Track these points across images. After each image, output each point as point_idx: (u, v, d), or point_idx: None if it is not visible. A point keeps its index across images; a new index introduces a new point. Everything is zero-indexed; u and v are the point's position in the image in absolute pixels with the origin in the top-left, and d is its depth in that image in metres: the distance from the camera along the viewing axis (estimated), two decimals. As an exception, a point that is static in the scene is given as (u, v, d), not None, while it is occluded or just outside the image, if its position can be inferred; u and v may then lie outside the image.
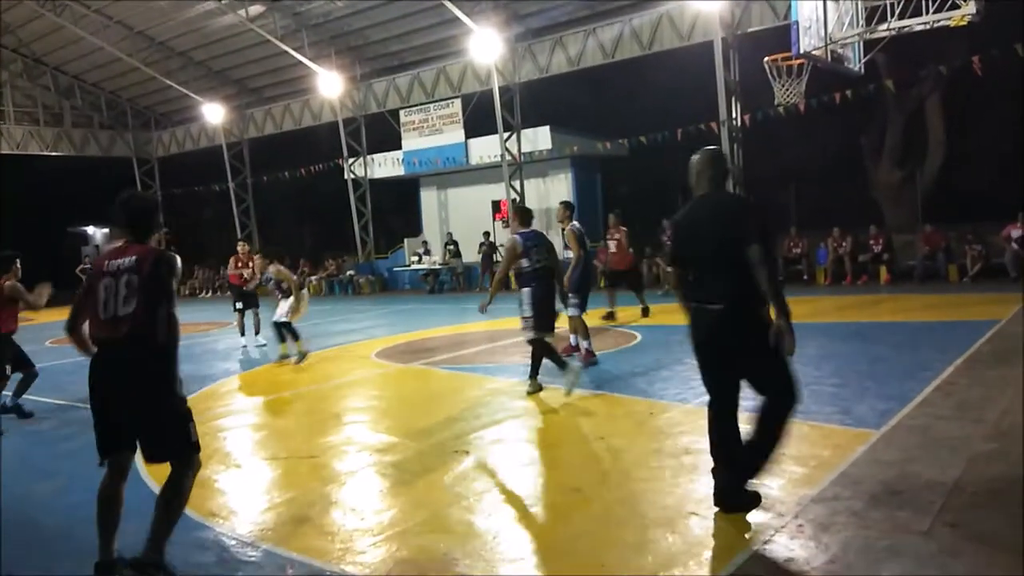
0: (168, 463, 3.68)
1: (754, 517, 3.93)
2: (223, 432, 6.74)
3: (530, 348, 7.22)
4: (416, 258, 23.74)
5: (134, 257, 3.61)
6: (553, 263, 7.29)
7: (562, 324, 7.91)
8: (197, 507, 4.66)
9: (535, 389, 7.22)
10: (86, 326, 3.76)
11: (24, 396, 7.73)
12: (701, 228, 4.07)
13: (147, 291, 3.55)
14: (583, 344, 8.60)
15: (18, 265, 7.44)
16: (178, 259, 3.76)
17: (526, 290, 7.13)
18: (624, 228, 13.18)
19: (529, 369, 7.32)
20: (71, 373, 10.65)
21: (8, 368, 7.50)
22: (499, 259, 22.56)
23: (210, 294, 27.82)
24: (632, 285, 13.17)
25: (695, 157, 4.21)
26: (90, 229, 32.44)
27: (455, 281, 22.87)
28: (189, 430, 3.67)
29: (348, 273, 25.24)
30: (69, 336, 3.86)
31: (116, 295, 3.56)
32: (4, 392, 7.59)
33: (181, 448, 3.66)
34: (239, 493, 5.02)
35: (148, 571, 3.54)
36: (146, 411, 3.60)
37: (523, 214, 7.54)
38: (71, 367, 11.32)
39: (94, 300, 3.62)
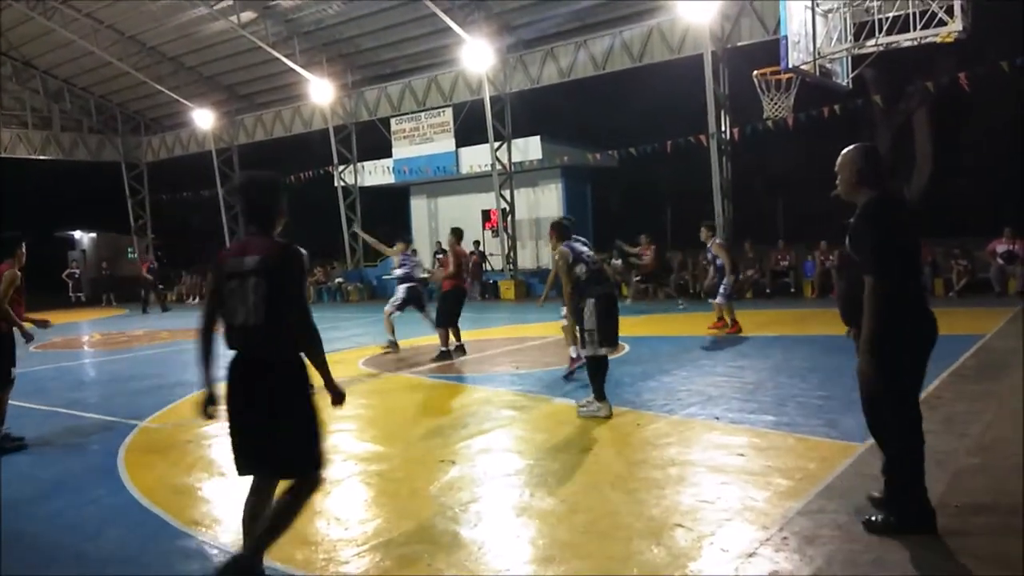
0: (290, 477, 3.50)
1: (740, 529, 3.93)
2: (208, 439, 6.68)
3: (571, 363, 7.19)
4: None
5: (259, 256, 3.35)
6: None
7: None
8: (179, 515, 4.62)
9: (608, 413, 6.47)
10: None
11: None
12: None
13: (277, 297, 3.31)
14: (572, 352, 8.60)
15: (23, 250, 6.62)
16: (305, 254, 3.44)
17: (590, 300, 6.51)
18: (655, 246, 16.61)
19: (591, 390, 6.62)
20: (54, 378, 10.58)
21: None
22: (489, 268, 22.61)
23: (197, 300, 27.61)
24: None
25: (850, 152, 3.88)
26: (77, 233, 32.20)
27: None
28: (316, 447, 3.50)
29: (336, 280, 25.17)
30: (200, 336, 3.53)
31: (244, 301, 3.33)
32: None
33: (305, 465, 3.48)
34: (223, 502, 4.97)
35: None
36: (275, 428, 3.40)
37: (560, 228, 7.01)
38: (54, 372, 11.24)
39: (222, 305, 3.41)
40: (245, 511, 3.52)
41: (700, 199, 18.85)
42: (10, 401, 7.06)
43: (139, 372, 10.97)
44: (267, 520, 3.42)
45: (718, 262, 11.57)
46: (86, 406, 8.38)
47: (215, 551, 4.08)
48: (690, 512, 4.21)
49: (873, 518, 3.80)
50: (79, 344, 15.99)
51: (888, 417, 3.79)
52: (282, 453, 3.41)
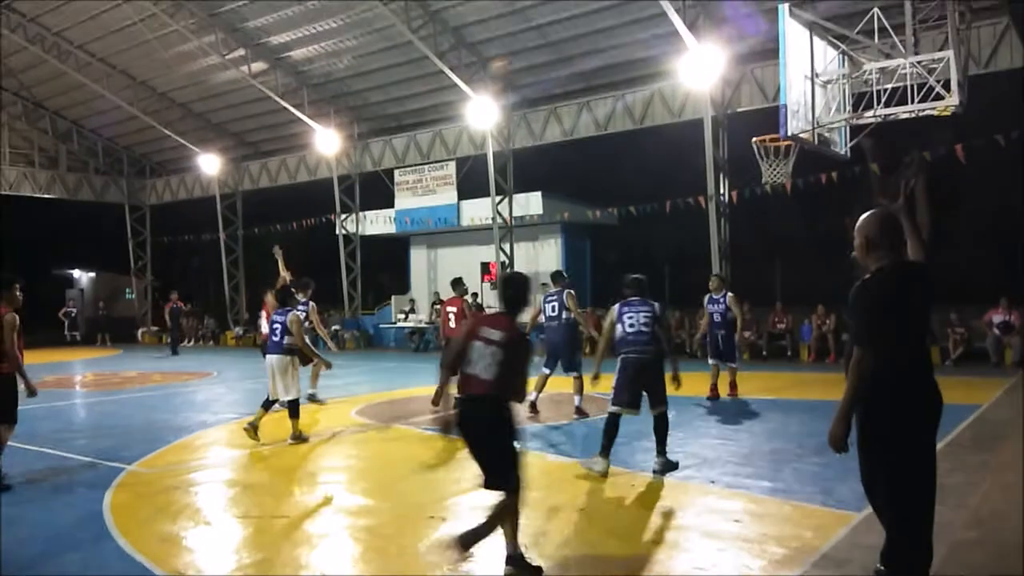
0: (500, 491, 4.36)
1: (733, 598, 3.86)
2: (195, 487, 6.59)
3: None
4: (402, 316, 23.72)
5: (504, 334, 4.38)
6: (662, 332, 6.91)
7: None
8: (163, 563, 4.53)
9: (602, 470, 6.52)
10: None
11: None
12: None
13: (508, 366, 4.32)
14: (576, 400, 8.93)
15: (18, 293, 6.67)
16: (533, 343, 4.66)
17: (620, 359, 6.78)
18: None
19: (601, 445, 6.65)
20: (44, 418, 10.46)
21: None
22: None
23: (193, 343, 27.53)
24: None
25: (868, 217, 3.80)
26: (75, 272, 32.23)
27: (440, 340, 22.75)
28: (518, 469, 4.42)
29: (334, 328, 25.11)
30: (443, 372, 4.61)
31: (482, 359, 4.33)
32: None
33: (511, 481, 4.37)
34: (207, 551, 4.88)
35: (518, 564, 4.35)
36: (492, 451, 4.40)
37: (630, 285, 7.02)
38: (45, 412, 11.12)
39: (467, 355, 4.41)
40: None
41: (698, 259, 18.97)
42: (-2, 439, 7.01)
43: (129, 414, 10.87)
44: (489, 520, 4.33)
45: (728, 315, 10.70)
46: (74, 447, 8.27)
47: (197, 603, 3.99)
48: (684, 578, 4.14)
49: None
50: (71, 384, 15.86)
51: (881, 491, 3.75)
52: (499, 473, 4.40)
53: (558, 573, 4.30)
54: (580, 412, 9.49)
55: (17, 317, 6.55)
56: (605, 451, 6.55)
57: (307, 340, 8.44)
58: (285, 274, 11.22)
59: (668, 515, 5.42)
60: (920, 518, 3.65)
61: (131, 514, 5.66)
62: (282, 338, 8.28)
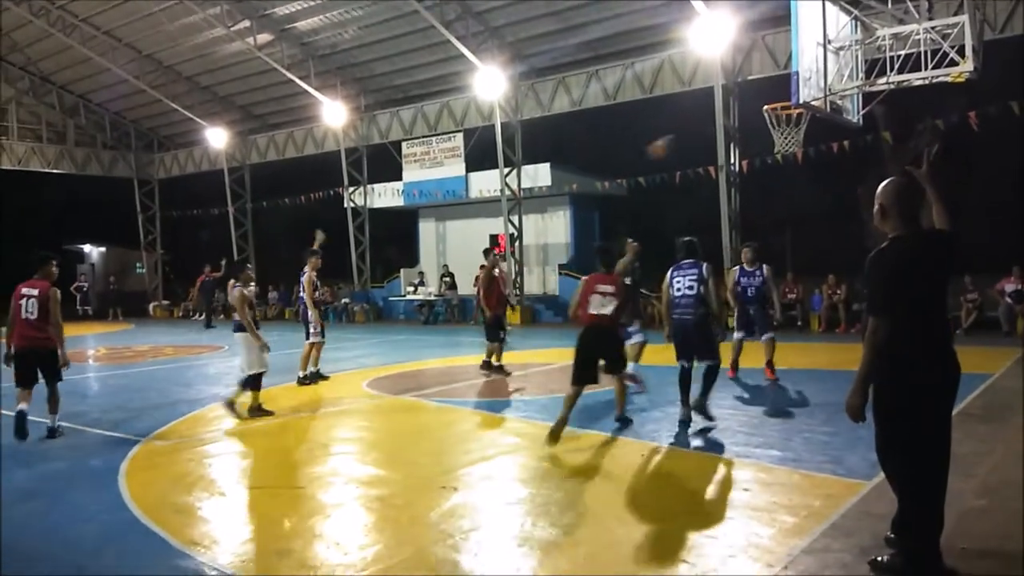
0: None
1: (744, 566, 3.89)
2: (209, 458, 6.67)
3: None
4: (412, 289, 23.75)
5: (611, 286, 6.92)
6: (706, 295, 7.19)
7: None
8: (178, 534, 4.60)
9: (686, 416, 7.19)
10: None
11: (9, 413, 7.64)
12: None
13: (618, 303, 6.89)
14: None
15: (54, 268, 7.50)
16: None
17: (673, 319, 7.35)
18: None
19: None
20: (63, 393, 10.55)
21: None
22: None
23: (203, 316, 27.67)
24: None
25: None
26: (86, 247, 32.36)
27: (450, 313, 22.83)
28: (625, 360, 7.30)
29: (343, 301, 25.21)
30: (573, 317, 7.16)
31: (601, 303, 6.82)
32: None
33: (624, 366, 7.29)
34: (222, 522, 4.95)
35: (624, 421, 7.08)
36: (612, 351, 6.95)
37: (688, 247, 7.46)
38: (62, 386, 11.22)
39: (588, 301, 6.86)
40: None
41: (708, 230, 18.86)
42: (11, 413, 7.21)
43: (143, 388, 10.97)
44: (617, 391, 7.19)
45: (763, 289, 9.84)
46: (89, 420, 8.37)
47: (213, 572, 4.05)
48: (694, 547, 4.17)
49: (880, 558, 3.75)
50: (84, 358, 16.00)
51: (894, 459, 3.75)
52: (615, 362, 6.99)
53: (567, 540, 4.34)
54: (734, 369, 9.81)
55: (58, 291, 7.33)
56: (684, 401, 7.24)
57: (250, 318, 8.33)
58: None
59: (677, 484, 5.45)
60: (932, 487, 3.66)
61: (146, 485, 5.73)
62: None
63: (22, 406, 7.33)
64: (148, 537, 4.61)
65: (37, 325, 7.28)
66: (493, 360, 10.81)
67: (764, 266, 9.93)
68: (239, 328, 8.30)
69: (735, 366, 9.94)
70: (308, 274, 10.51)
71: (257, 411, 8.27)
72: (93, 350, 17.55)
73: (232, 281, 8.57)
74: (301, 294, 10.76)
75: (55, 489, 5.82)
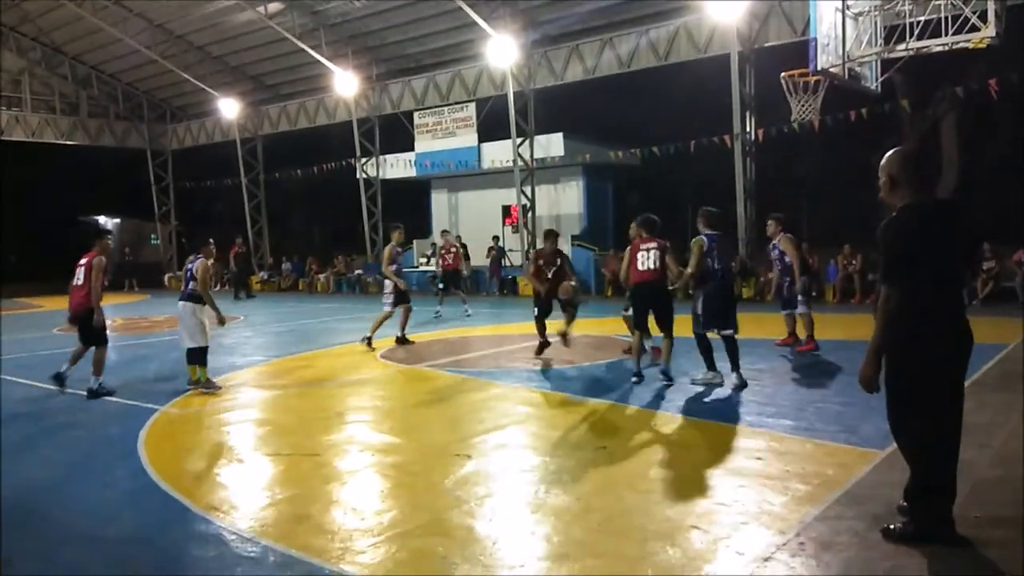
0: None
1: (756, 533, 3.92)
2: (227, 426, 6.75)
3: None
4: (424, 260, 23.76)
5: (654, 244, 7.74)
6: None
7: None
8: (198, 500, 4.68)
9: (721, 381, 7.62)
10: None
11: (29, 382, 7.78)
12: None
13: (661, 261, 7.67)
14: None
15: (109, 241, 8.32)
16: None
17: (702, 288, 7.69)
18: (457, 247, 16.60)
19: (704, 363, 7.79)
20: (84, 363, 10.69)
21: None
22: (508, 264, 22.63)
23: (218, 287, 27.87)
24: None
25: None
26: (101, 218, 32.56)
27: (463, 284, 22.80)
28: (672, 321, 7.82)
29: (356, 272, 25.29)
30: (624, 279, 8.11)
31: (647, 260, 7.70)
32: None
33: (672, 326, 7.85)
34: (241, 488, 5.02)
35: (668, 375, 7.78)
36: (663, 311, 7.79)
37: (709, 217, 7.96)
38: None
39: (635, 259, 7.79)
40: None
41: (722, 200, 18.73)
42: (35, 383, 7.37)
43: (160, 357, 11.09)
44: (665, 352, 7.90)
45: (786, 259, 9.86)
46: (107, 389, 8.46)
47: (233, 536, 4.12)
48: (706, 514, 4.20)
49: (892, 526, 3.77)
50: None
51: (906, 428, 3.75)
52: (670, 321, 7.79)
53: (580, 507, 4.39)
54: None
55: (104, 260, 8.13)
56: (712, 365, 7.71)
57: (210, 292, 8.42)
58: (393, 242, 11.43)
59: (689, 453, 5.47)
60: (945, 456, 3.66)
61: (165, 453, 5.82)
62: (187, 285, 8.33)
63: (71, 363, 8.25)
64: (168, 503, 4.70)
65: (81, 290, 8.13)
66: (563, 330, 9.75)
67: (783, 235, 9.93)
68: (191, 298, 8.23)
69: (790, 336, 10.14)
70: (390, 245, 11.12)
71: (205, 385, 8.11)
72: (110, 320, 17.71)
73: (195, 255, 8.53)
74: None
75: (75, 458, 5.92)
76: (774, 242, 10.11)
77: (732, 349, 7.61)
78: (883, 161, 3.81)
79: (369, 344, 10.86)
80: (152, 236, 32.91)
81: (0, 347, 11.82)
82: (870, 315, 4.08)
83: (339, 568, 3.68)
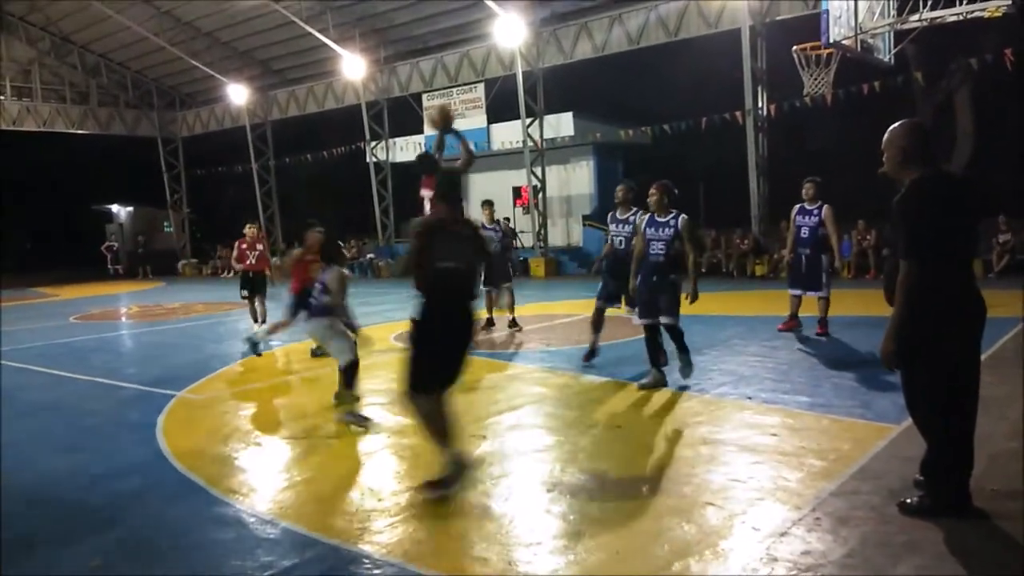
0: None
1: (772, 509, 3.92)
2: (243, 410, 6.81)
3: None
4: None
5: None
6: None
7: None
8: (216, 483, 4.73)
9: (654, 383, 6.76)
10: None
11: (51, 371, 7.85)
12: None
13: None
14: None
15: (320, 230, 8.36)
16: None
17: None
18: None
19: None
20: (95, 349, 10.82)
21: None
22: (519, 245, 22.60)
23: (232, 274, 28.01)
24: None
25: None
26: (114, 207, 32.75)
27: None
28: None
29: (368, 256, 25.35)
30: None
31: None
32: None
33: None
34: (258, 471, 5.08)
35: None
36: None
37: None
38: (95, 343, 11.49)
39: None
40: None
41: (734, 177, 18.61)
42: (52, 371, 7.41)
43: (176, 344, 11.18)
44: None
45: (820, 231, 8.88)
46: (125, 376, 8.57)
47: (252, 519, 4.17)
48: (721, 491, 4.21)
49: (908, 500, 3.76)
50: (117, 316, 16.31)
51: (922, 402, 3.74)
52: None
53: (595, 486, 4.40)
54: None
55: (295, 253, 8.66)
56: (653, 361, 6.97)
57: None
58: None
59: (703, 430, 5.47)
60: (961, 429, 3.65)
61: (183, 438, 5.88)
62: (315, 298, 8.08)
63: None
64: (188, 486, 4.75)
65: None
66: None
67: (825, 205, 8.91)
68: (324, 312, 8.01)
69: (792, 319, 9.34)
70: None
71: (356, 418, 6.61)
72: (126, 308, 17.87)
73: (325, 265, 8.64)
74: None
75: (94, 442, 5.99)
76: (811, 208, 8.95)
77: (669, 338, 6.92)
78: (889, 136, 3.77)
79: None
80: (165, 223, 33.07)
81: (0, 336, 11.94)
82: (883, 290, 4.06)
83: (358, 548, 3.72)
